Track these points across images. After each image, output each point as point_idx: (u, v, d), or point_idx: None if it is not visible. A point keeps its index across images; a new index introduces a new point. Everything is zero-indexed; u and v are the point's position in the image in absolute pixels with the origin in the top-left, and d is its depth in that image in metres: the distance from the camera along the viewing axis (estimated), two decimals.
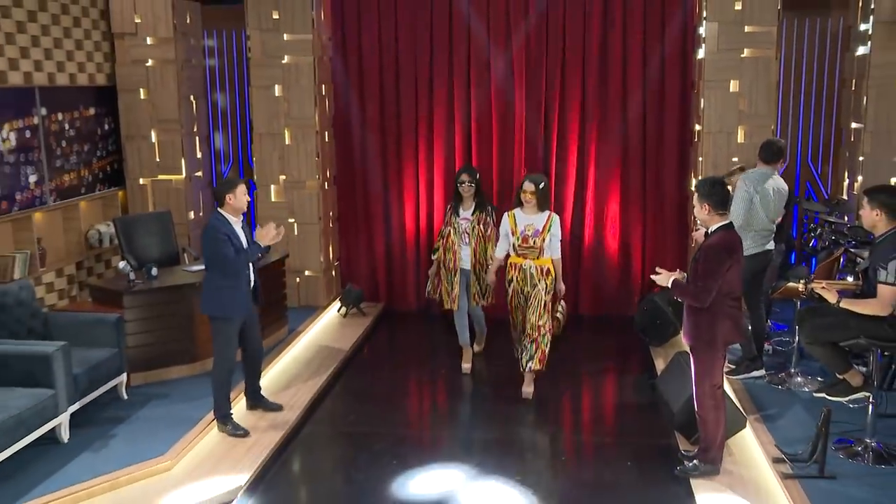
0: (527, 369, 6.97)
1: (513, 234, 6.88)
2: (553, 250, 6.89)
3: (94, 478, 5.57)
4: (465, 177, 7.32)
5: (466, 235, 7.34)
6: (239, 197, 6.25)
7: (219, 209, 6.28)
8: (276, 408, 6.83)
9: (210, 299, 6.35)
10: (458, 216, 7.38)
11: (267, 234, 6.28)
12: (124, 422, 6.52)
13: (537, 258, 6.83)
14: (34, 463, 5.79)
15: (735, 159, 8.34)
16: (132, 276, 7.34)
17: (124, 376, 6.93)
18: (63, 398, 6.09)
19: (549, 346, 6.94)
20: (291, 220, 9.20)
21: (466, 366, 7.74)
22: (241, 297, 6.35)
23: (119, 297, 7.18)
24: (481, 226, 7.30)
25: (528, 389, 7.07)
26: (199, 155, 9.56)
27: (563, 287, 7.10)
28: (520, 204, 6.88)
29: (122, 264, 7.56)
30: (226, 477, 5.75)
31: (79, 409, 6.35)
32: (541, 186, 6.78)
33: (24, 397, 5.79)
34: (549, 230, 6.82)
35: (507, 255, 7.11)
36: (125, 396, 6.93)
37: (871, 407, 5.81)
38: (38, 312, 6.81)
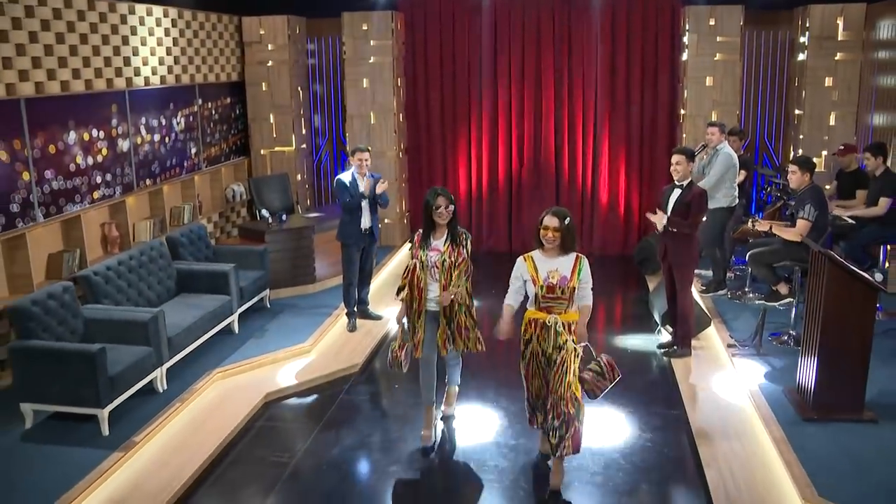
0: (557, 455, 4.56)
1: (534, 283, 4.62)
2: (584, 298, 4.68)
3: (259, 356, 6.56)
4: (441, 200, 5.09)
5: (436, 270, 5.13)
6: (354, 160, 7.14)
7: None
8: (377, 317, 7.58)
9: (340, 230, 7.29)
10: (429, 247, 5.19)
11: (379, 186, 7.16)
12: (272, 321, 7.47)
13: (564, 312, 4.63)
14: (219, 345, 6.83)
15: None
16: (270, 219, 8.31)
17: (268, 290, 7.90)
18: (235, 302, 7.12)
19: (583, 421, 4.58)
20: None
21: (427, 433, 5.32)
22: (356, 231, 7.15)
23: (261, 235, 8.16)
24: (452, 259, 5.11)
25: (556, 481, 4.70)
26: (303, 132, 10.37)
27: (585, 333, 4.70)
28: (539, 245, 4.69)
29: (264, 211, 8.42)
30: (347, 357, 6.70)
31: (243, 311, 7.36)
32: (566, 222, 4.60)
33: (211, 300, 6.87)
34: (578, 275, 4.60)
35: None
36: (269, 305, 7.92)
37: (793, 309, 6.71)
38: (209, 245, 7.84)
